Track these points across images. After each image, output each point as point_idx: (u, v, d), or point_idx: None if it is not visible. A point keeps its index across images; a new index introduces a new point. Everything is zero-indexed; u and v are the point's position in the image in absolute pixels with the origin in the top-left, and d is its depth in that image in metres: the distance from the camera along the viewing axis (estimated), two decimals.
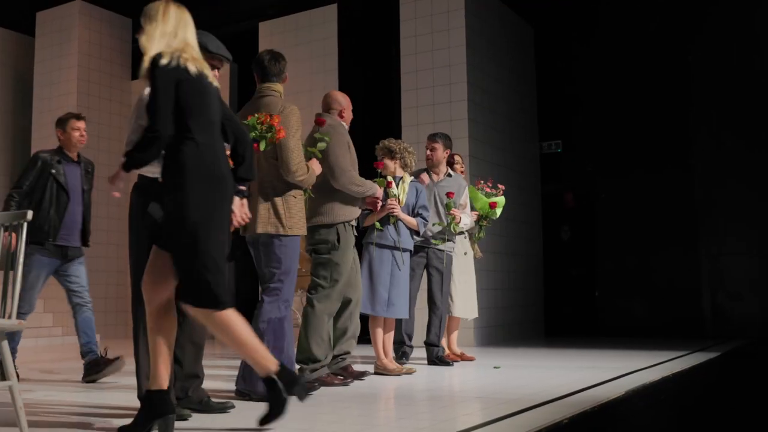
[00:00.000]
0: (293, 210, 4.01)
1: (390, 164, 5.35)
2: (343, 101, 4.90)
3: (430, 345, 5.91)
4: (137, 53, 11.62)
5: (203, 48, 3.26)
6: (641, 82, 9.36)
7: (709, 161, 9.00)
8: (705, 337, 8.35)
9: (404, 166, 5.39)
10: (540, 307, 9.73)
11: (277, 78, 4.19)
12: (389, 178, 5.28)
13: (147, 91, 3.01)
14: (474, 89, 8.39)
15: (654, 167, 9.22)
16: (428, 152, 6.08)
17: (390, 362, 5.21)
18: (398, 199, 5.25)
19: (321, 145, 4.46)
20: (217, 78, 3.35)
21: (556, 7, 9.62)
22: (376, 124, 8.77)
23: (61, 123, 5.13)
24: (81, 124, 5.12)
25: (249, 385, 3.90)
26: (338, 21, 9.39)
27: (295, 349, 4.43)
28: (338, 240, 4.63)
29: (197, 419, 3.36)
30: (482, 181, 6.58)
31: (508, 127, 9.20)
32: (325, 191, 4.61)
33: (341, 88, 8.94)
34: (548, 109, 10.04)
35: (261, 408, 3.03)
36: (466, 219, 6.04)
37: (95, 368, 4.87)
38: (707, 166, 9.01)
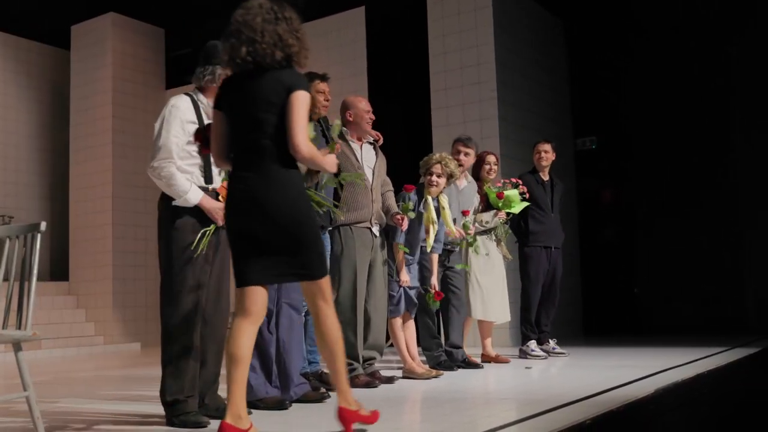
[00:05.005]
0: None
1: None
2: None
3: (455, 347, 5.72)
4: (170, 63, 11.60)
5: None
6: (680, 74, 9.08)
7: (751, 154, 8.73)
8: (748, 334, 8.11)
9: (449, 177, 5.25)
10: (578, 307, 9.56)
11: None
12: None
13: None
14: (504, 87, 8.30)
15: (694, 162, 8.98)
16: (462, 157, 5.77)
17: (418, 365, 5.14)
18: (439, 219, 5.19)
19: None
20: None
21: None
22: (407, 126, 8.72)
23: None
24: None
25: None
26: (366, 23, 9.37)
27: None
28: (341, 245, 4.59)
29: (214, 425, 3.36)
30: (501, 181, 6.35)
31: (540, 124, 9.06)
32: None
33: (371, 91, 8.94)
34: (582, 104, 9.85)
35: (276, 415, 3.02)
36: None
37: None
38: (750, 160, 8.74)
